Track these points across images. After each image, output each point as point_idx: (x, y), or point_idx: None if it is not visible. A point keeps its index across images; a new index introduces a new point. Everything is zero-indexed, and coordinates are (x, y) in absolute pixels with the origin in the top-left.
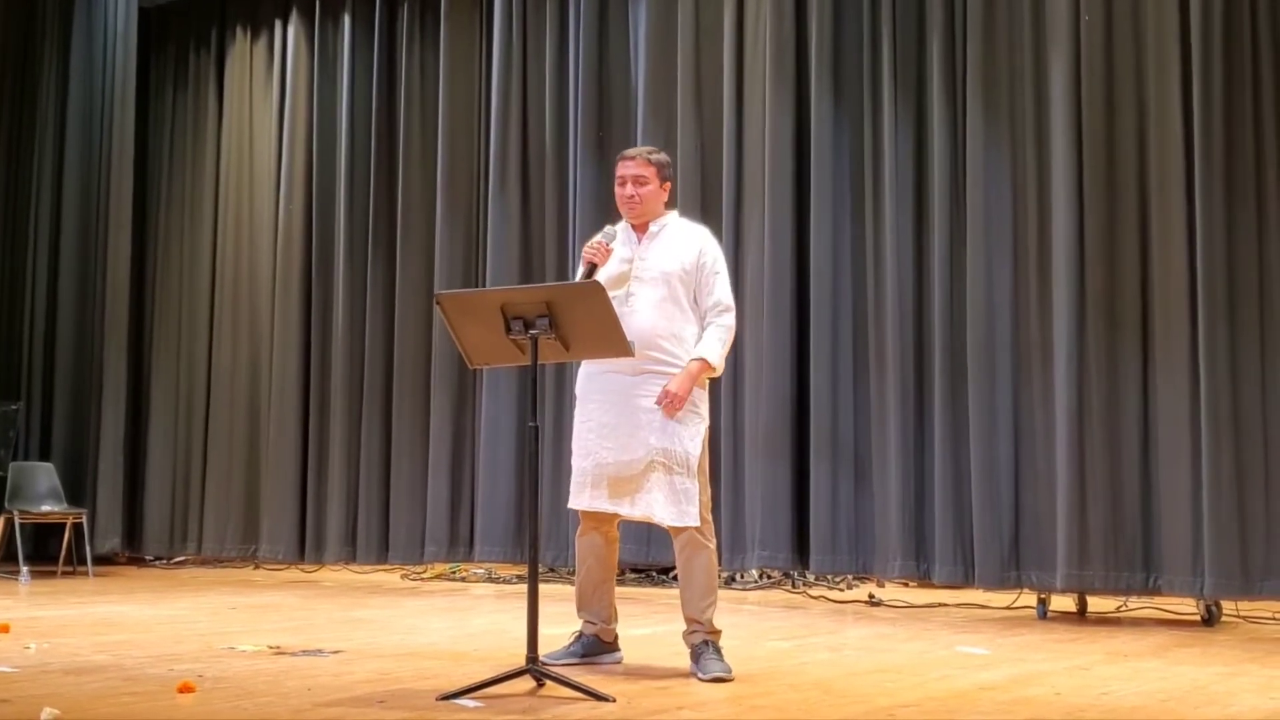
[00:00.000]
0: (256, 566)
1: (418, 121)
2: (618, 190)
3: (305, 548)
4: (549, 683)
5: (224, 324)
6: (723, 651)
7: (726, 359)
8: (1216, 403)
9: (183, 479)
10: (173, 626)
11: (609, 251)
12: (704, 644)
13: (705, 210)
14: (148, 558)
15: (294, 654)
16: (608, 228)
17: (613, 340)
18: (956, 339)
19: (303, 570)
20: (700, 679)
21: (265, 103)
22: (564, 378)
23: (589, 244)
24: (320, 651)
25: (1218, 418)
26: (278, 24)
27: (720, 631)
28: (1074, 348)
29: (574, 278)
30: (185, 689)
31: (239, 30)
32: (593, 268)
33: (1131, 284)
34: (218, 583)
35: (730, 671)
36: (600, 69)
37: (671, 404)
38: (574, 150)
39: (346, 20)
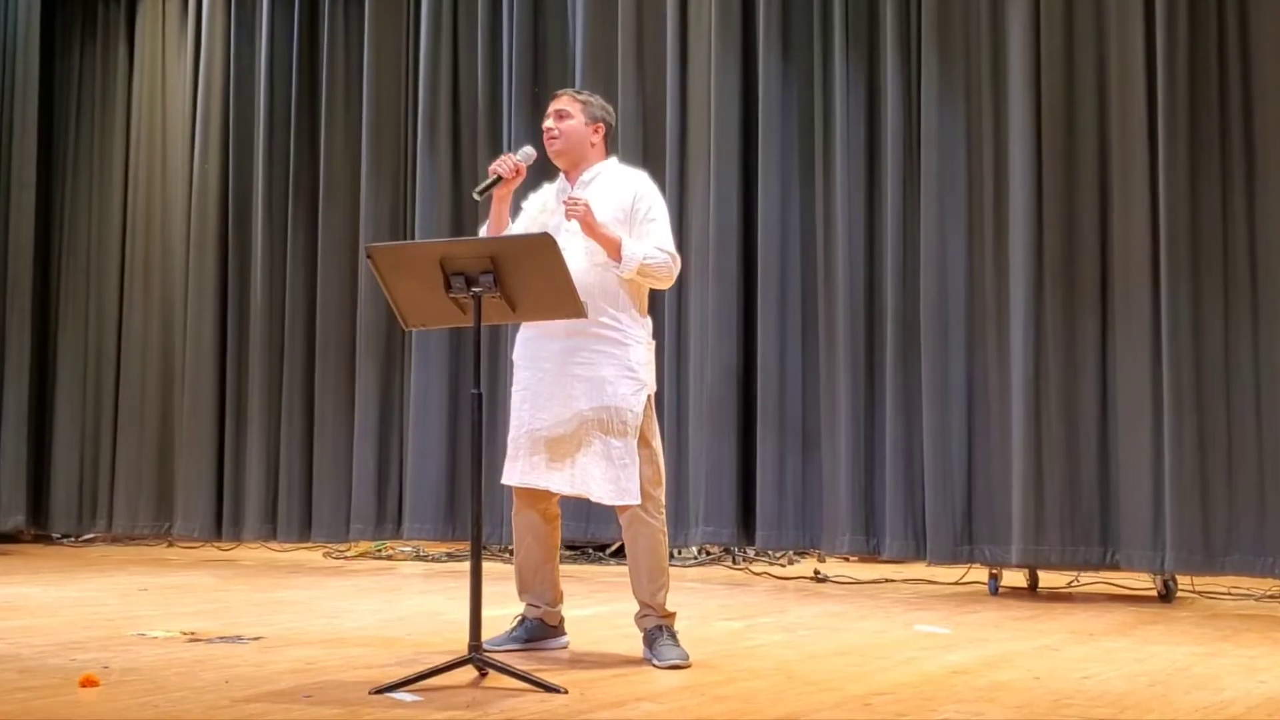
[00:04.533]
0: (170, 544)
1: (341, 75)
2: (543, 129)
3: (222, 525)
4: (492, 673)
5: (135, 289)
6: (678, 636)
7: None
8: (1178, 371)
9: (91, 452)
10: (78, 610)
11: (520, 170)
12: (658, 629)
13: (647, 171)
14: (54, 535)
15: (210, 641)
16: (526, 147)
17: (564, 300)
18: (909, 305)
19: (219, 548)
20: (656, 666)
21: (179, 55)
22: (499, 342)
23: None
24: (239, 638)
25: (1180, 386)
26: None
27: (674, 615)
28: (1030, 314)
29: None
30: (88, 683)
31: None
32: (496, 180)
33: (1090, 248)
34: (129, 562)
35: (687, 658)
36: (536, 20)
37: (577, 208)
38: (508, 106)
39: None
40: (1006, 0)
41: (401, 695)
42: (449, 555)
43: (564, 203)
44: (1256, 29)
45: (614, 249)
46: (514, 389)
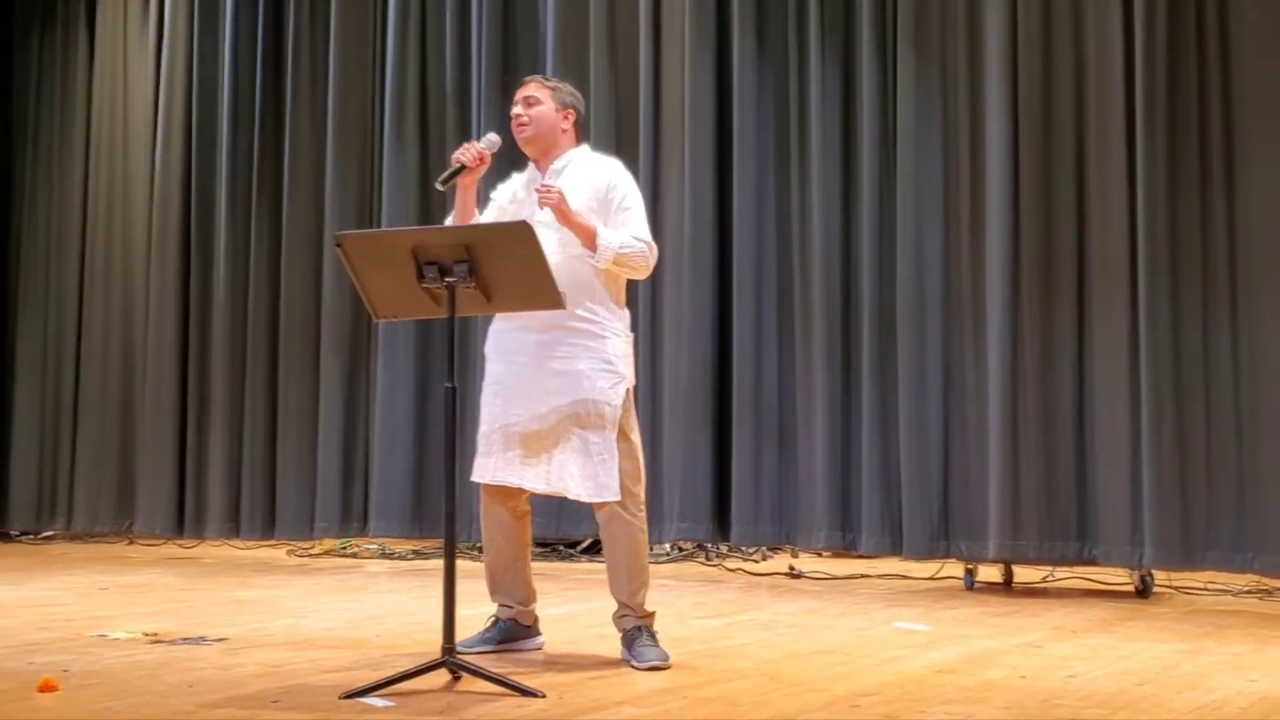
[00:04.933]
0: (131, 542)
1: (307, 63)
2: (512, 116)
3: (184, 522)
4: (466, 676)
5: (95, 283)
6: (657, 636)
7: (637, 304)
8: (1157, 365)
9: (51, 448)
10: (37, 611)
11: (484, 159)
12: (637, 629)
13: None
14: (13, 533)
15: (173, 642)
16: (491, 135)
17: (542, 290)
18: (885, 298)
19: (182, 546)
20: (635, 667)
21: (141, 44)
22: (470, 334)
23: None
24: (202, 639)
25: (1158, 382)
26: None
27: (653, 615)
28: (1007, 308)
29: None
30: (46, 687)
31: None
32: (460, 169)
33: (1068, 243)
34: (89, 560)
35: (667, 659)
36: (506, 11)
37: (550, 195)
38: (477, 94)
39: None
40: None
41: (373, 700)
42: (415, 553)
43: (536, 190)
44: (1236, 21)
45: (589, 238)
46: (485, 383)
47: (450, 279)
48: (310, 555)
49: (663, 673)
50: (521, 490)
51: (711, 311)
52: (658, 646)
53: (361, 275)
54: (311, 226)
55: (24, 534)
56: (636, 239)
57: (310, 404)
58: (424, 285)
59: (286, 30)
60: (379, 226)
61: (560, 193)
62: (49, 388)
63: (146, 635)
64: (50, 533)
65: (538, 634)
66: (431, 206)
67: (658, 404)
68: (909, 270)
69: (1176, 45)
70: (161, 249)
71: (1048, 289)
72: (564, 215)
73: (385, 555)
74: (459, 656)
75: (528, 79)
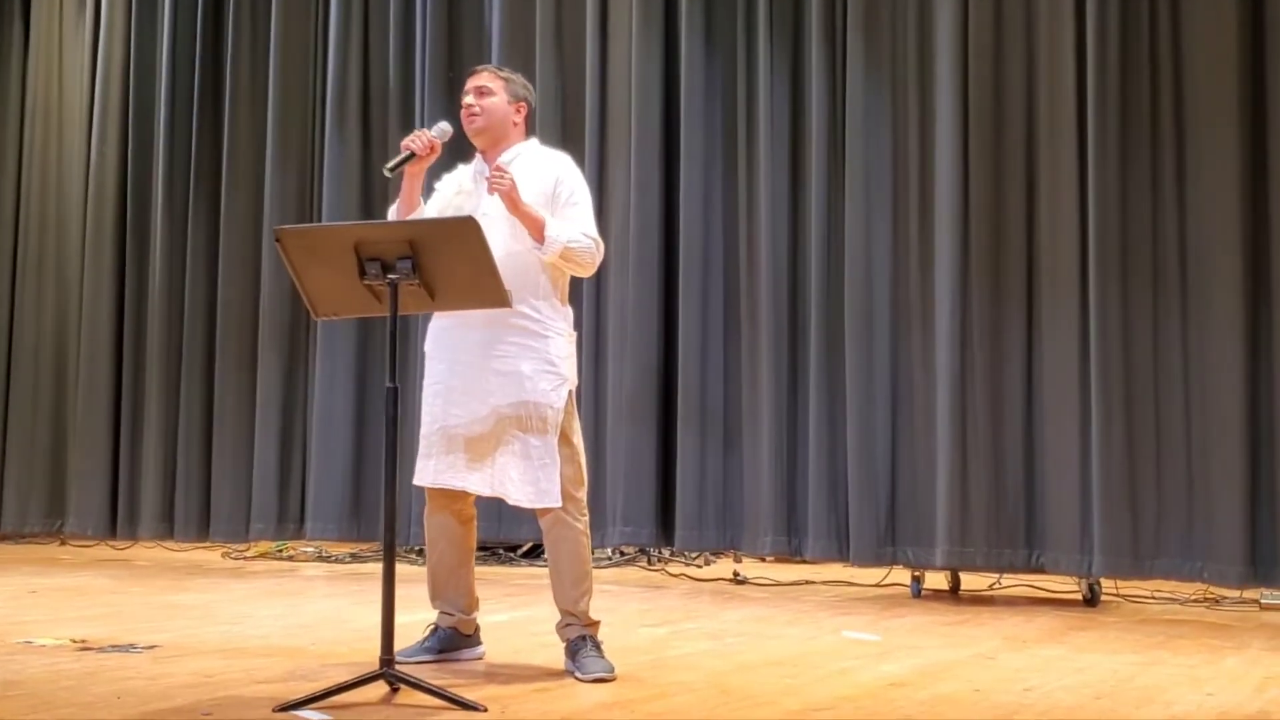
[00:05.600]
0: (63, 543)
1: (247, 54)
2: (462, 108)
3: (117, 523)
4: (405, 688)
5: (28, 277)
6: (602, 646)
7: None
8: (1106, 369)
9: None
10: None
11: (434, 147)
12: (581, 639)
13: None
14: None
15: (101, 650)
16: (442, 123)
17: (487, 288)
18: (833, 298)
19: (114, 547)
20: (580, 679)
21: (77, 33)
22: (410, 333)
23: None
24: (133, 646)
25: (1108, 386)
26: None
27: (598, 623)
28: (956, 310)
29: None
30: None
31: None
32: (409, 156)
33: (1018, 241)
34: (18, 561)
35: (612, 670)
36: (451, 1)
37: (502, 181)
38: (421, 87)
39: None
40: None
41: (308, 713)
42: (353, 556)
43: (490, 174)
44: (1187, 27)
45: (537, 229)
46: (426, 382)
47: (393, 275)
48: (246, 558)
49: (608, 685)
50: (466, 493)
51: (656, 310)
52: (602, 657)
53: (301, 271)
54: (250, 220)
55: None
56: (585, 234)
57: (247, 402)
58: (366, 282)
59: (226, 18)
60: (319, 221)
61: (513, 179)
62: None
63: (74, 642)
64: None
65: (479, 643)
66: (374, 201)
67: (601, 404)
68: (857, 271)
69: (1128, 48)
70: (96, 242)
71: (997, 292)
72: (514, 203)
73: (322, 558)
74: (398, 668)
75: (480, 68)
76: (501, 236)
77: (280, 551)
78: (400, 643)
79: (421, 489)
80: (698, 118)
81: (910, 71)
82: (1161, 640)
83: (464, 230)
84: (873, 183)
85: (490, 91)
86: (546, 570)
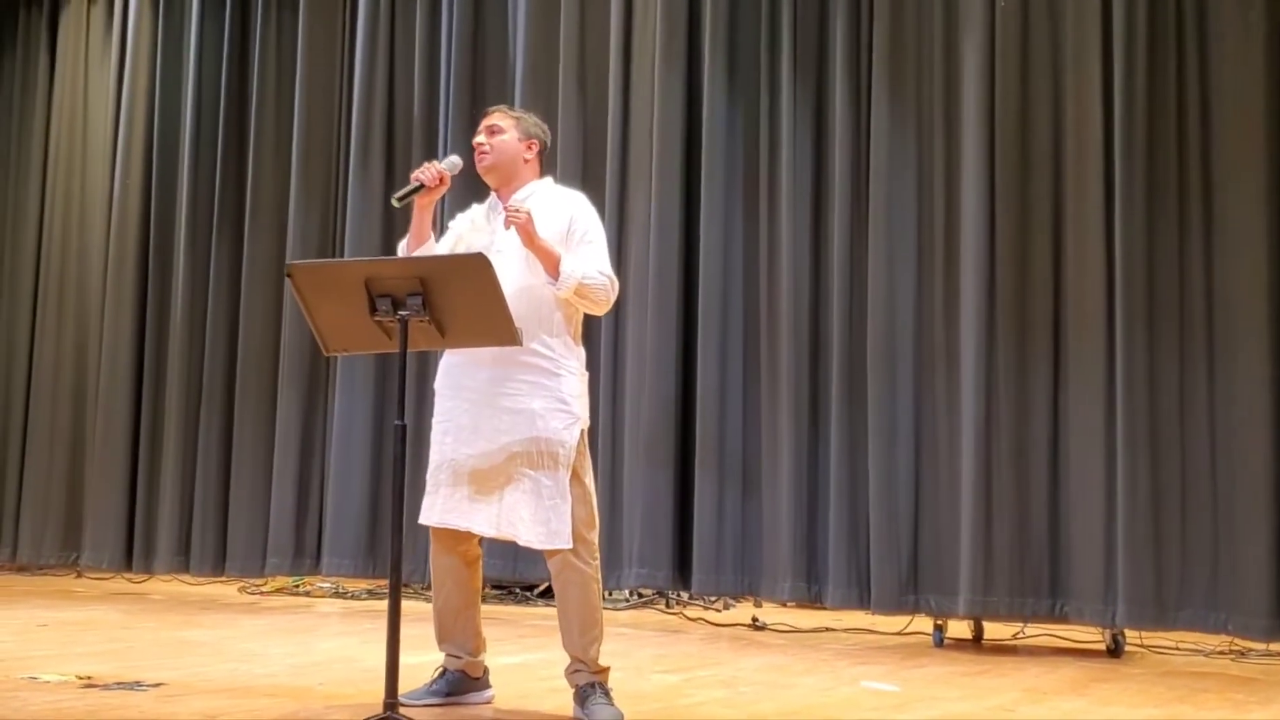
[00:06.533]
0: (79, 575)
1: (272, 93)
2: (474, 144)
3: (133, 556)
4: None
5: (49, 309)
6: (612, 694)
7: (597, 345)
8: (1133, 417)
9: None
10: None
11: (444, 179)
12: (590, 686)
13: (585, 194)
14: None
15: (106, 687)
16: (453, 156)
17: (497, 325)
18: (855, 341)
19: (130, 580)
20: None
21: (102, 69)
22: (427, 369)
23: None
24: (137, 684)
25: (1134, 434)
26: None
27: (607, 670)
28: (981, 354)
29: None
30: None
31: None
32: (418, 187)
33: (1044, 288)
34: (32, 593)
35: (621, 718)
36: (475, 41)
37: (519, 215)
38: (444, 125)
39: None
40: (961, 30)
41: None
42: (369, 592)
43: (505, 208)
44: (1216, 68)
45: (552, 264)
46: (435, 419)
47: (403, 312)
48: (262, 592)
49: None
50: (471, 534)
51: (675, 350)
52: (612, 705)
53: (312, 306)
54: (273, 256)
55: None
56: (600, 272)
57: (265, 437)
58: (376, 318)
59: (251, 56)
60: (342, 257)
61: (529, 213)
62: None
63: (80, 678)
64: None
65: (487, 686)
66: (396, 238)
67: (618, 444)
68: (880, 314)
69: (1155, 94)
70: (118, 276)
71: (1023, 338)
72: (530, 236)
73: (339, 594)
74: (403, 711)
75: (492, 108)
76: (516, 272)
77: (297, 587)
78: (408, 684)
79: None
80: (719, 158)
81: (935, 114)
82: (1184, 694)
83: (474, 267)
84: (896, 225)
85: (501, 130)
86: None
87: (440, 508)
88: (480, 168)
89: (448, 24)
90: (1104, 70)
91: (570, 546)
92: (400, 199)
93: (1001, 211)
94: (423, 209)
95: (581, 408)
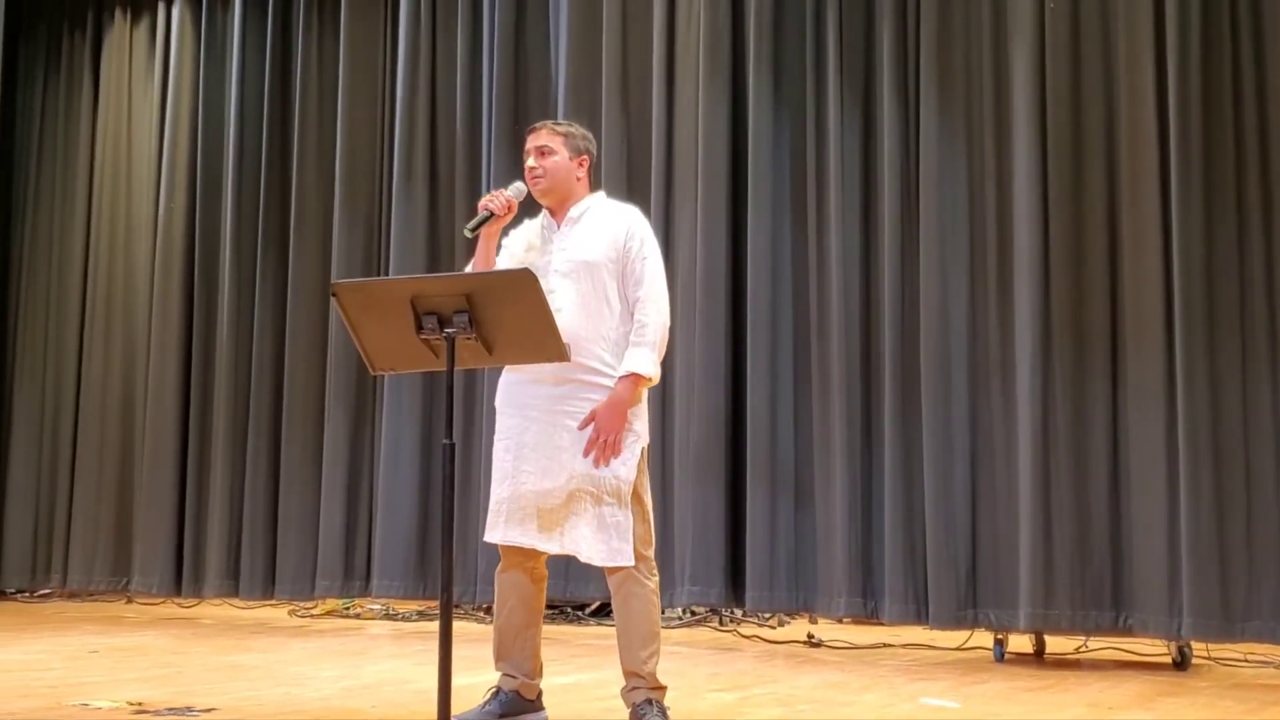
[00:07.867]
0: (129, 600)
1: (314, 113)
2: (525, 171)
3: (183, 580)
4: None
5: (96, 333)
6: (668, 712)
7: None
8: (1194, 424)
9: (47, 503)
10: (20, 675)
11: (512, 207)
12: (647, 703)
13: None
14: (8, 590)
15: (157, 713)
16: (518, 183)
17: (546, 342)
18: (908, 352)
19: (180, 605)
20: None
21: (146, 91)
22: (475, 387)
23: (490, 194)
24: (189, 709)
25: (1196, 441)
26: (160, 5)
27: (664, 687)
28: (1037, 363)
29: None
30: None
31: (118, 11)
32: (489, 216)
33: (1100, 294)
34: (83, 619)
35: None
36: (517, 55)
37: (604, 448)
38: (487, 144)
39: (237, 2)
40: (1010, 34)
41: None
42: (419, 614)
43: (588, 449)
44: (1273, 66)
45: (636, 387)
46: (496, 437)
47: (449, 330)
48: (312, 615)
49: None
50: (538, 552)
51: (725, 363)
52: None
53: (358, 326)
54: (318, 276)
55: (19, 592)
56: (656, 317)
57: (313, 459)
58: (422, 336)
59: (294, 77)
60: (386, 275)
61: (610, 435)
62: (46, 442)
63: (131, 704)
64: (46, 590)
65: (541, 708)
66: (440, 257)
67: (668, 460)
68: (933, 324)
69: (1210, 95)
70: (164, 299)
71: (1080, 345)
72: (616, 440)
73: (389, 616)
74: None
75: (538, 126)
76: (575, 293)
77: (347, 609)
78: (460, 706)
79: (490, 547)
80: (766, 169)
81: (986, 120)
82: (1255, 707)
83: (521, 283)
84: (948, 234)
85: (551, 150)
86: (614, 630)
87: (503, 527)
88: (535, 192)
89: (489, 41)
90: (1157, 70)
91: (632, 564)
92: (472, 230)
93: (1055, 217)
94: (489, 237)
95: (642, 426)
